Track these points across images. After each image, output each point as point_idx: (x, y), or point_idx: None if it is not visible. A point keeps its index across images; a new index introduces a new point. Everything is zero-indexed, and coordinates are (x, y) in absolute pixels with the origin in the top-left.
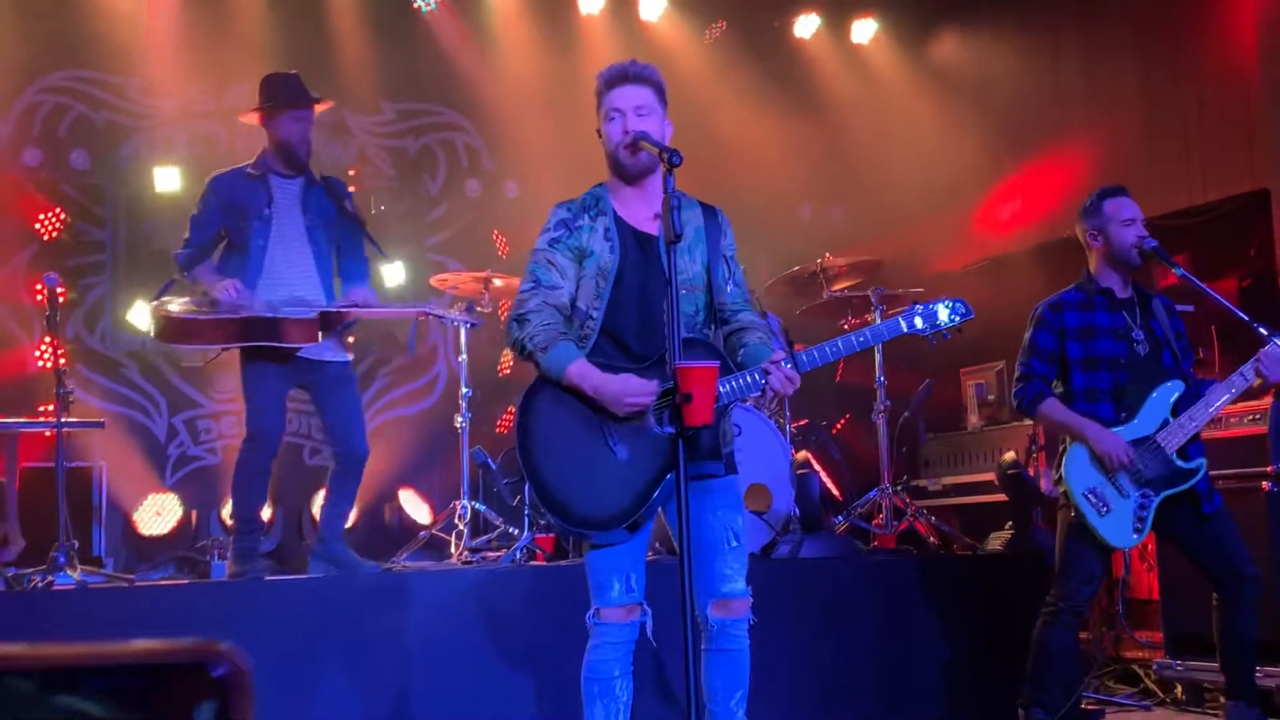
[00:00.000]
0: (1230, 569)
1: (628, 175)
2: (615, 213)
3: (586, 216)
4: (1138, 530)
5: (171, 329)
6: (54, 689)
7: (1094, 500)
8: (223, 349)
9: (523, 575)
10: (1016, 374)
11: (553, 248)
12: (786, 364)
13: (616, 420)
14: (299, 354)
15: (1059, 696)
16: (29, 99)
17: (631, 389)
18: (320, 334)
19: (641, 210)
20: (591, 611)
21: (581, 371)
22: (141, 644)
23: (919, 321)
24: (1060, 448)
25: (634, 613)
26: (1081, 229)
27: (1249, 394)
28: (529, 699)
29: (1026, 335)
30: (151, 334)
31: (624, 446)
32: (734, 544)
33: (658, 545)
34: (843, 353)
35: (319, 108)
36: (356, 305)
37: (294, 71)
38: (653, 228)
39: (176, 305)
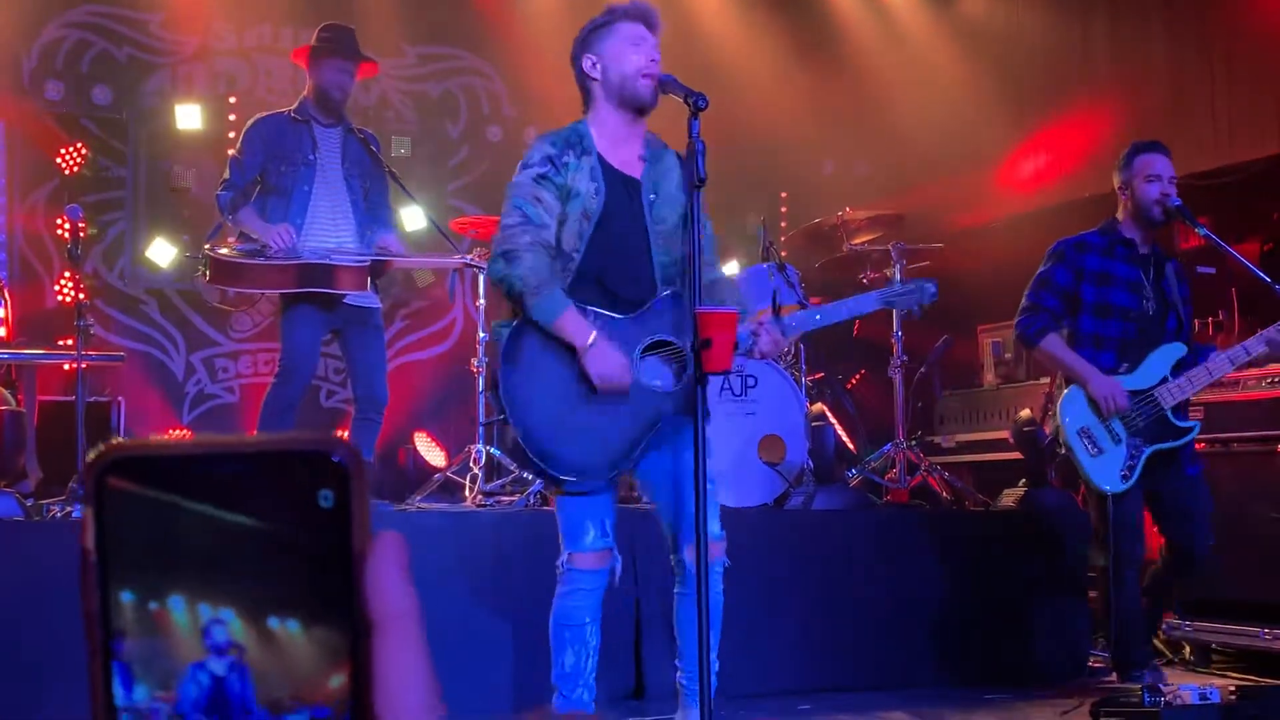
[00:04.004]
0: (1192, 538)
1: (636, 108)
2: (599, 153)
3: (572, 154)
4: (1125, 478)
5: (223, 271)
6: (177, 481)
7: (1086, 441)
8: (275, 293)
9: (535, 519)
10: (1024, 304)
11: (539, 184)
12: (773, 325)
13: None
14: (343, 299)
15: (1146, 653)
16: (51, 33)
17: (612, 372)
18: (368, 282)
19: (625, 152)
20: (564, 557)
21: (572, 328)
22: (259, 436)
23: (896, 301)
24: (1057, 391)
25: (605, 559)
26: (1115, 181)
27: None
28: (538, 639)
29: (1042, 268)
30: (204, 276)
31: (612, 397)
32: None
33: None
34: (822, 323)
35: (364, 67)
36: (390, 252)
37: (351, 26)
38: (636, 170)
39: (224, 248)
